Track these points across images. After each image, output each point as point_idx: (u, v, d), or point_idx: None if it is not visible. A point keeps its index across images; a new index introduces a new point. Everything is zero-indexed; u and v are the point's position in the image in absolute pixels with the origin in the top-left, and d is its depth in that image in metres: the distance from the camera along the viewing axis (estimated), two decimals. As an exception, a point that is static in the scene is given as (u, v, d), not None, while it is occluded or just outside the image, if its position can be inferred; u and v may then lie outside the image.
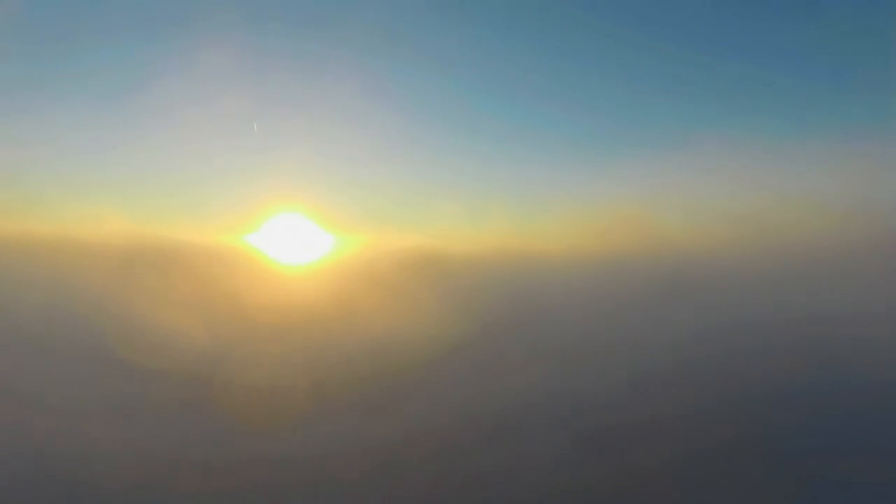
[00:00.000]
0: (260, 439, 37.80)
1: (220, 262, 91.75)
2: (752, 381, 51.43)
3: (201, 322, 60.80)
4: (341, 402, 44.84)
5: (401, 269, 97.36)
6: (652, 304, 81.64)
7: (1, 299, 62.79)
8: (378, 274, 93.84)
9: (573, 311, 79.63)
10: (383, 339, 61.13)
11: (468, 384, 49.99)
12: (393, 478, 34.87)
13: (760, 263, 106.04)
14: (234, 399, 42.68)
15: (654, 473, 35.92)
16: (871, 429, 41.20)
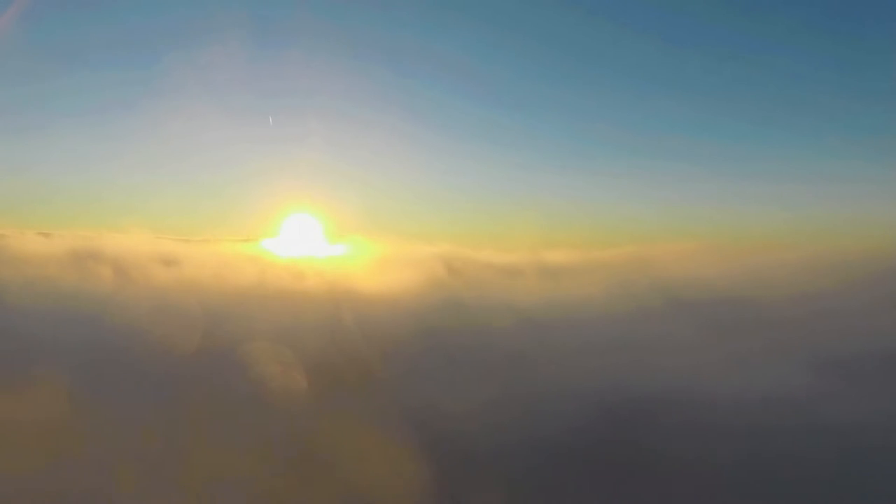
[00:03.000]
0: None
1: (239, 270, 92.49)
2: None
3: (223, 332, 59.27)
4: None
5: (427, 273, 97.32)
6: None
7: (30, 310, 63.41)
8: (406, 278, 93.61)
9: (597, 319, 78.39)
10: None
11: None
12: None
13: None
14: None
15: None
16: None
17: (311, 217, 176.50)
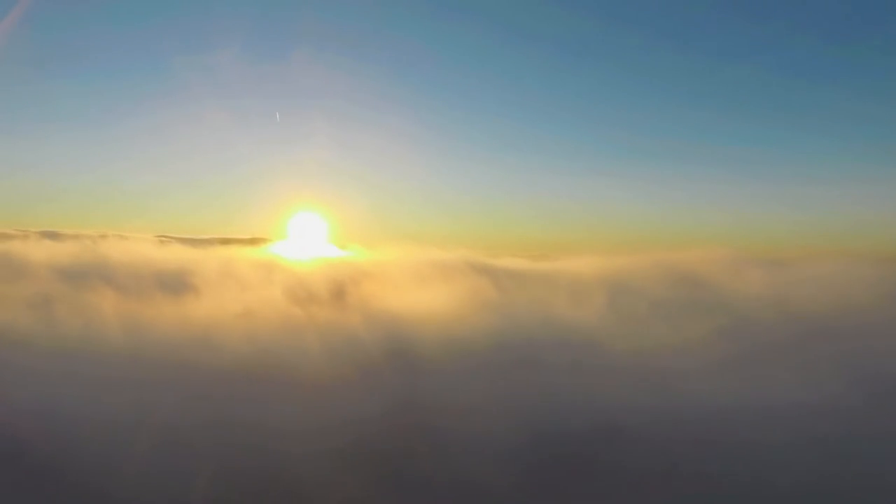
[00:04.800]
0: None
1: (249, 275, 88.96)
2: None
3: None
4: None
5: (457, 284, 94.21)
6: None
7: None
8: (439, 289, 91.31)
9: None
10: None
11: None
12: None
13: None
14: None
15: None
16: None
17: (318, 218, 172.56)
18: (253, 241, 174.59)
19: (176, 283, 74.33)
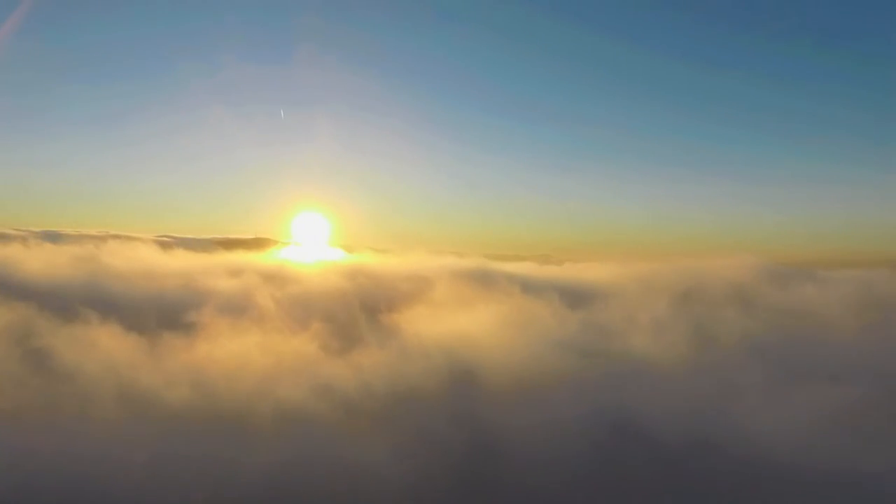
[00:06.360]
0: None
1: (265, 288, 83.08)
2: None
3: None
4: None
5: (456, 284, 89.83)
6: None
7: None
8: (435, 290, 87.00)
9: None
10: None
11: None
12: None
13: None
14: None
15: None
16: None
17: (322, 219, 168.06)
18: (257, 242, 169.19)
19: (183, 302, 67.32)
